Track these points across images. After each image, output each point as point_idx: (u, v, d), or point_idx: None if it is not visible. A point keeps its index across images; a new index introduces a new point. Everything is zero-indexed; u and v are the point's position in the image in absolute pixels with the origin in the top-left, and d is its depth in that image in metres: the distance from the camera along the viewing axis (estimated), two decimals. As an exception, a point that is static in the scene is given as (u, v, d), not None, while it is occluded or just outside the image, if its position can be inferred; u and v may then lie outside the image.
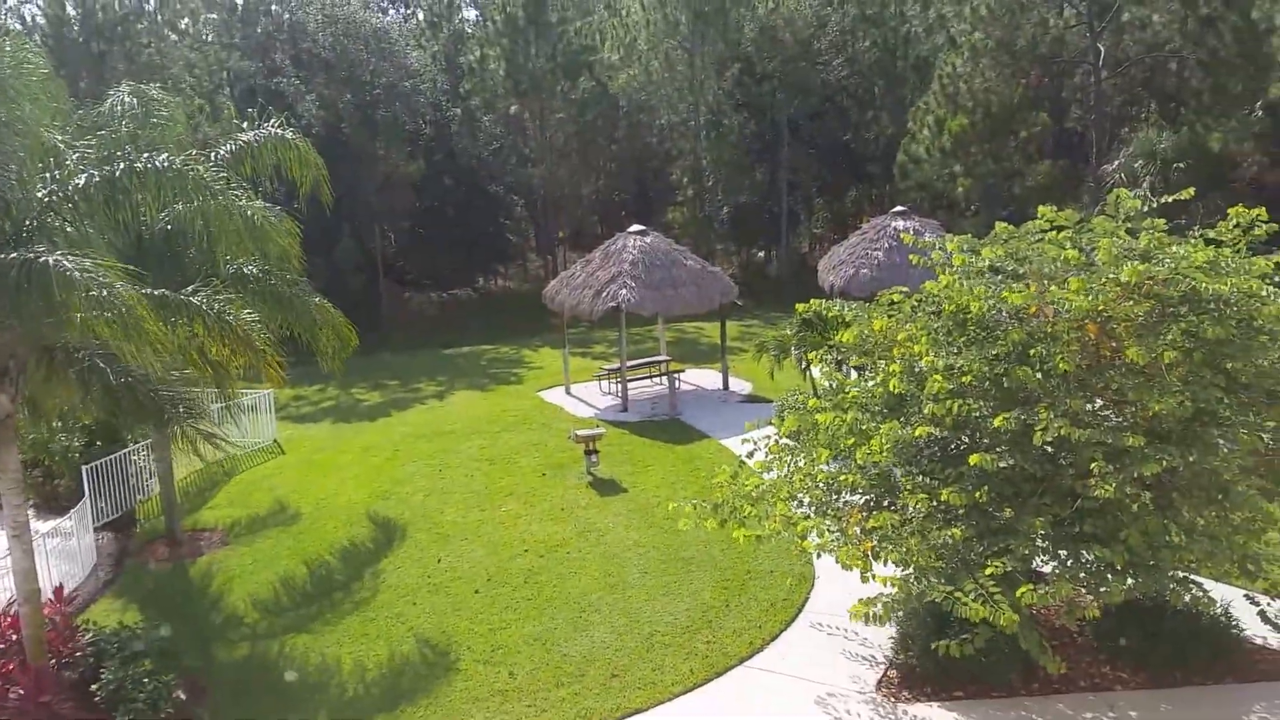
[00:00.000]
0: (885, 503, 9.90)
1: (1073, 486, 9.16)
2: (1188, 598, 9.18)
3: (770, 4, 38.23)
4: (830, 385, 11.58)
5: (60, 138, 11.60)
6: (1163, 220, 10.74)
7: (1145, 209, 11.07)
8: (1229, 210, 10.68)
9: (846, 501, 10.15)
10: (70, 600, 12.82)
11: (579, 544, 15.00)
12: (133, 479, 17.39)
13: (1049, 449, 9.40)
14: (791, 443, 11.14)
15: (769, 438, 11.51)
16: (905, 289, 11.71)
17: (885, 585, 9.30)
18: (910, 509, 9.32)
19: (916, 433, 9.61)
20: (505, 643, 12.33)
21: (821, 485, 10.20)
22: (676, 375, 22.78)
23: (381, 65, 35.02)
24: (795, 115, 38.43)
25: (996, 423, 9.11)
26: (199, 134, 27.07)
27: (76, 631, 11.59)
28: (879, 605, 9.28)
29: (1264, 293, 9.43)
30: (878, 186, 40.34)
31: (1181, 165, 25.10)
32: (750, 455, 11.75)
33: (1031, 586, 8.65)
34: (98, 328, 9.65)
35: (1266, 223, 10.42)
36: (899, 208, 24.92)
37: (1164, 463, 8.60)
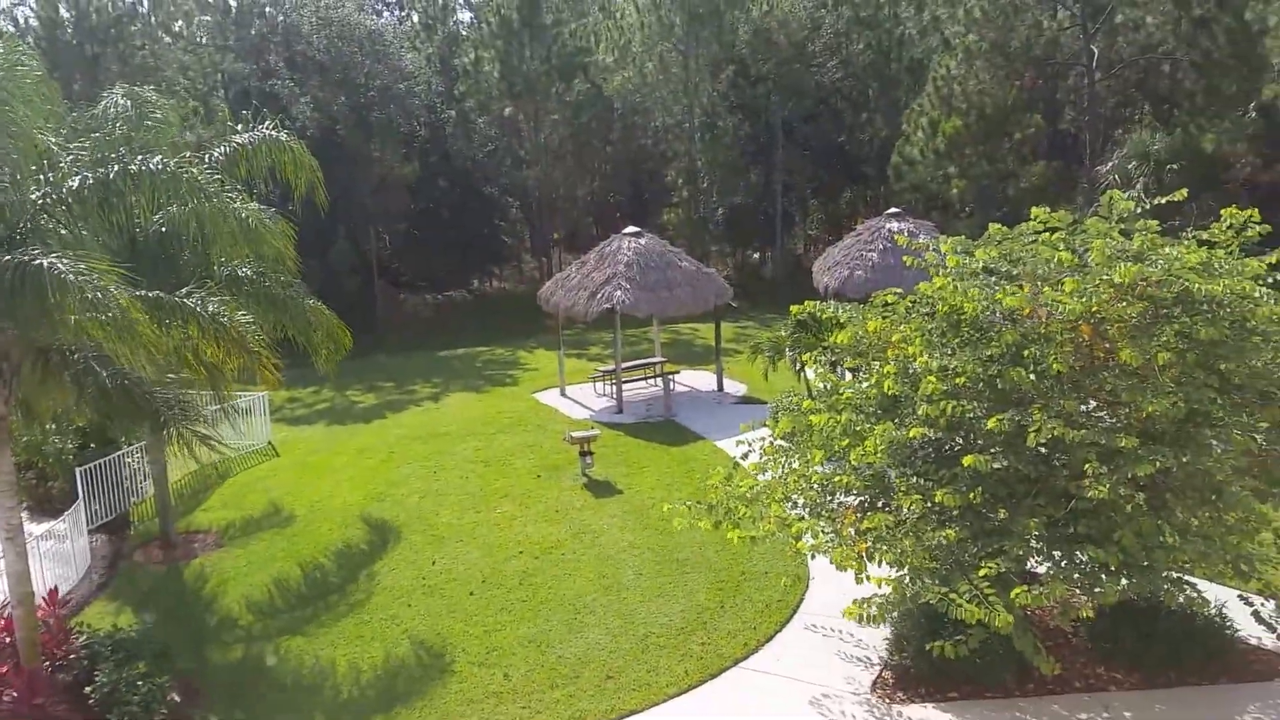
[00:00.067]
0: (880, 504, 9.91)
1: (1067, 487, 9.19)
2: (1182, 598, 9.21)
3: (765, 6, 38.31)
4: (825, 386, 11.59)
5: (54, 140, 11.58)
6: (1156, 221, 10.79)
7: (1139, 210, 11.11)
8: (1222, 211, 10.76)
9: (841, 502, 10.17)
10: (64, 603, 12.79)
11: (574, 546, 15.00)
12: (127, 481, 17.37)
13: (1043, 450, 9.42)
14: (786, 444, 11.17)
15: (763, 439, 11.57)
16: (899, 290, 11.70)
17: (880, 586, 9.32)
18: (905, 510, 9.33)
19: (911, 434, 9.64)
20: (500, 644, 12.32)
21: (816, 486, 10.23)
22: (671, 377, 22.80)
23: (376, 67, 35.01)
24: (790, 117, 38.54)
25: (990, 424, 9.12)
26: (193, 136, 27.00)
27: (70, 634, 11.56)
28: (873, 606, 9.30)
29: (1257, 294, 9.48)
30: (872, 188, 40.47)
31: (1175, 166, 25.12)
32: (745, 456, 11.79)
33: (1026, 587, 8.67)
34: (92, 330, 9.65)
35: (1259, 224, 10.50)
36: (893, 209, 24.96)
37: (1158, 464, 8.63)
